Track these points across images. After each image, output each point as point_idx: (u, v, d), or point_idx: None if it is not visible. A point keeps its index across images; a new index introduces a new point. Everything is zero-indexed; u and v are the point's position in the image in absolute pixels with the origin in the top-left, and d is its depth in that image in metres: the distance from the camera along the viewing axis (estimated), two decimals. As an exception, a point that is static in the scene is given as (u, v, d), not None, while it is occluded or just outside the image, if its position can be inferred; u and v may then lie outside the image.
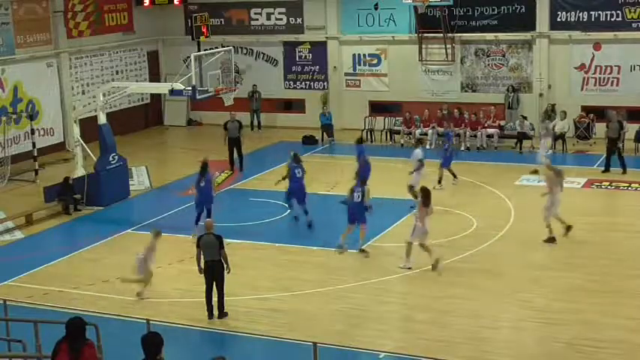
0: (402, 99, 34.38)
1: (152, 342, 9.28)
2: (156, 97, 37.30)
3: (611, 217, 22.15)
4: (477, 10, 33.26)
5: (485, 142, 31.16)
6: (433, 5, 32.49)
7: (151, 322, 13.28)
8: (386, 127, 33.30)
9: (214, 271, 16.08)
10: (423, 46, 33.93)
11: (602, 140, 29.96)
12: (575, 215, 22.26)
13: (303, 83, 36.70)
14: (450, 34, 33.28)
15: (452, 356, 13.87)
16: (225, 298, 16.18)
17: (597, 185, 25.35)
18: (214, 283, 16.13)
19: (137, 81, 35.54)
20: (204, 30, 26.75)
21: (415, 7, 32.90)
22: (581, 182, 25.62)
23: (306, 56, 36.54)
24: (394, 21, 34.52)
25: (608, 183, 25.52)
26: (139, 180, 27.91)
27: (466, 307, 16.34)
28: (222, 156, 30.25)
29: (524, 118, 31.29)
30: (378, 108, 35.01)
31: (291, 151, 23.12)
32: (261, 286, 17.84)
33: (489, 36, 33.22)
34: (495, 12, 33.07)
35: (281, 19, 36.62)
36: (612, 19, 31.49)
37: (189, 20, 28.06)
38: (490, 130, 31.33)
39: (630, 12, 31.23)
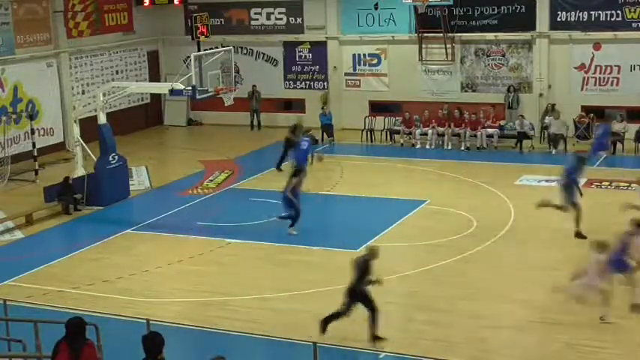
0: (401, 99, 34.40)
1: (153, 342, 9.30)
2: (156, 97, 37.32)
3: (610, 217, 22.10)
4: (477, 9, 33.27)
5: (485, 142, 31.17)
6: (433, 5, 32.51)
7: (151, 321, 13.29)
8: (386, 127, 33.30)
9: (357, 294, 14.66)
10: (423, 45, 33.94)
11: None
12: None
13: (303, 83, 36.72)
14: (449, 34, 33.30)
15: (452, 356, 13.89)
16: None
17: (597, 185, 25.35)
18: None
19: (137, 81, 35.55)
20: (204, 30, 26.75)
21: (415, 7, 32.93)
22: (580, 182, 25.60)
23: (306, 56, 36.56)
24: (394, 21, 34.53)
25: (608, 183, 25.52)
26: (139, 180, 27.93)
27: (466, 307, 16.35)
28: (222, 156, 30.35)
29: (523, 117, 31.30)
30: (377, 108, 35.02)
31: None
32: (261, 286, 17.85)
33: (489, 36, 33.23)
34: (495, 12, 33.08)
35: (281, 19, 36.63)
36: (612, 19, 31.51)
37: (189, 20, 28.07)
38: (490, 130, 31.33)
39: (630, 12, 31.23)
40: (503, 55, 33.31)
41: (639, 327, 15.15)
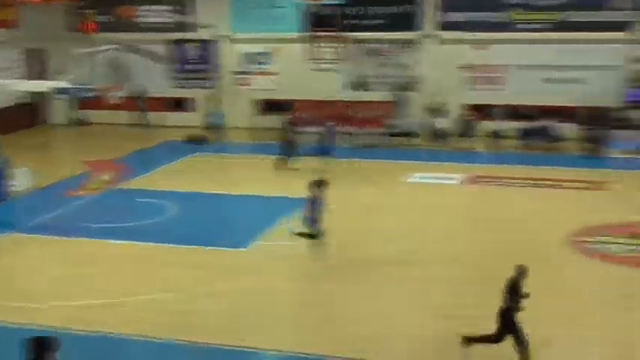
0: (292, 97, 34.48)
1: (40, 345, 9.15)
2: (41, 96, 36.36)
3: (495, 213, 22.65)
4: (368, 9, 33.63)
5: (375, 140, 31.50)
6: (325, 4, 32.69)
7: (36, 326, 12.86)
8: (275, 126, 33.28)
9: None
10: (314, 44, 34.10)
11: (484, 138, 30.78)
12: (459, 211, 22.77)
13: (193, 82, 36.42)
14: (340, 33, 33.54)
15: (343, 353, 13.92)
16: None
17: (481, 181, 25.95)
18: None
19: (22, 79, 34.56)
20: (92, 27, 26.22)
21: (306, 6, 33.05)
22: (464, 178, 26.21)
23: (196, 55, 36.27)
24: (285, 20, 34.59)
25: (491, 179, 26.14)
26: (21, 181, 27.11)
27: (360, 304, 16.40)
28: (108, 155, 29.79)
29: (412, 116, 31.82)
30: (268, 107, 35.01)
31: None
32: (144, 287, 17.57)
33: (379, 35, 33.63)
34: (385, 12, 33.50)
35: (171, 17, 36.24)
36: (498, 20, 32.32)
37: (78, 17, 27.47)
38: (379, 128, 31.69)
39: (516, 14, 32.11)
40: (393, 55, 33.75)
41: (540, 319, 15.52)
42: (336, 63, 34.02)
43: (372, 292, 16.94)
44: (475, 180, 26.06)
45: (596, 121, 29.63)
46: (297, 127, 29.63)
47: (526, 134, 30.60)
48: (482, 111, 32.40)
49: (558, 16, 31.85)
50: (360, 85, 34.18)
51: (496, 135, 30.32)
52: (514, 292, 13.16)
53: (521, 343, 13.07)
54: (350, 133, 31.44)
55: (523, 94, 31.86)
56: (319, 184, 18.89)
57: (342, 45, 33.71)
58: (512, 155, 29.55)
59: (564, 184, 25.27)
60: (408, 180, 26.11)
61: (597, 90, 30.92)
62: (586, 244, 19.70)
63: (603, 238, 19.99)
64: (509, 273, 16.83)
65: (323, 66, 34.26)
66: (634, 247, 19.41)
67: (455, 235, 20.50)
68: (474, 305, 15.94)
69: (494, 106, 32.44)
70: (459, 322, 15.00)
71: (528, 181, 25.54)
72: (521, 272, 13.32)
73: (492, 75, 32.82)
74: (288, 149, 28.05)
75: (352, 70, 34.13)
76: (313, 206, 18.54)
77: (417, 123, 31.73)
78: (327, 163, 26.72)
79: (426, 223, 21.45)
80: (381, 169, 27.77)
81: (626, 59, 30.43)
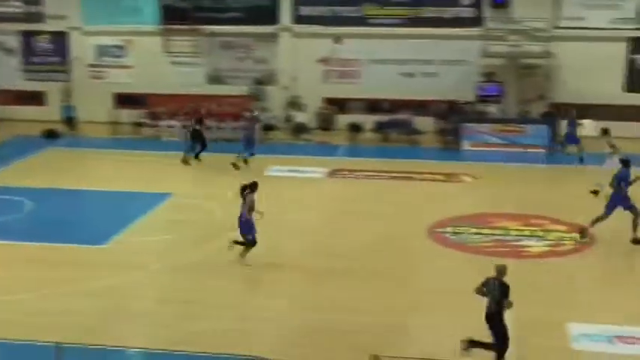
0: (148, 91, 33.81)
1: None
2: None
3: (356, 205, 22.89)
4: (225, 2, 33.35)
5: (233, 134, 31.26)
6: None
7: None
8: (131, 120, 32.57)
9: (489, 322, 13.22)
10: (169, 37, 33.55)
11: (343, 131, 31.10)
12: (321, 203, 22.89)
13: (44, 75, 35.17)
14: (196, 26, 33.13)
15: (200, 348, 13.71)
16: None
17: (341, 175, 26.20)
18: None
19: None
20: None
21: (161, -2, 32.54)
22: (324, 171, 26.39)
23: (46, 47, 35.04)
24: (140, 12, 33.90)
25: (350, 172, 26.40)
26: None
27: (219, 298, 16.21)
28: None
29: (268, 109, 31.80)
30: (123, 100, 34.21)
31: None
32: (9, 287, 16.79)
33: (235, 28, 33.41)
34: (241, 5, 33.32)
35: (19, 7, 34.84)
36: (352, 15, 32.71)
37: None
38: (237, 123, 31.48)
39: (369, 9, 32.57)
40: (249, 48, 33.62)
41: (389, 308, 15.70)
42: (193, 56, 33.58)
43: (235, 287, 16.79)
44: (335, 173, 26.27)
45: (451, 115, 30.44)
46: (204, 123, 29.07)
47: (384, 127, 31.10)
48: (341, 104, 32.73)
49: (411, 11, 32.51)
50: (217, 78, 33.86)
51: (354, 128, 30.68)
52: (504, 295, 13.02)
53: (501, 347, 13.04)
54: (208, 128, 31.04)
55: (379, 88, 32.34)
56: (252, 187, 17.93)
57: (198, 38, 33.30)
58: (371, 148, 29.98)
59: (422, 176, 25.81)
60: (268, 174, 26.05)
61: (451, 84, 31.74)
62: (444, 234, 20.18)
63: (460, 229, 20.52)
64: (372, 264, 17.11)
65: (179, 59, 33.76)
66: (489, 236, 20.01)
67: (317, 228, 20.57)
68: (338, 297, 16.04)
69: (352, 99, 32.83)
70: (324, 314, 15.06)
71: (387, 174, 25.94)
72: (501, 272, 13.19)
73: (348, 69, 33.20)
74: (194, 144, 27.69)
75: (209, 63, 33.78)
76: (248, 210, 17.71)
77: (276, 117, 31.72)
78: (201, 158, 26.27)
79: (289, 217, 21.43)
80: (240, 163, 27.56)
81: (478, 54, 31.33)
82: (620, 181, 19.17)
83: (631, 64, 31.27)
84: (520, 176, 25.79)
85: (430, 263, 18.21)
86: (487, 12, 31.84)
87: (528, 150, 29.10)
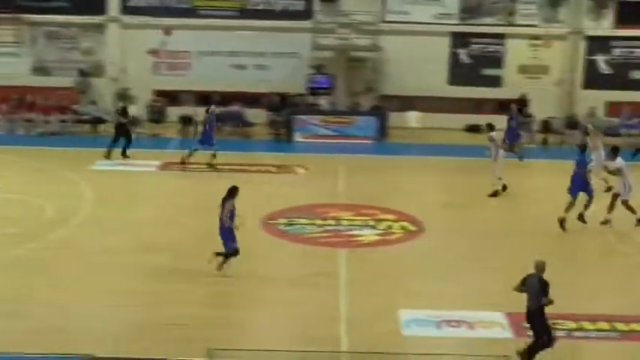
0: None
1: None
2: None
3: (189, 199, 22.68)
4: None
5: (59, 127, 30.33)
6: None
7: None
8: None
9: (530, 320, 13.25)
10: (-11, 26, 32.15)
11: (174, 123, 30.69)
12: (152, 197, 22.52)
13: None
14: (18, 15, 31.83)
15: (26, 348, 13.20)
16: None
17: (173, 168, 25.88)
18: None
19: None
20: None
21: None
22: (156, 165, 25.99)
23: None
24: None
25: (183, 165, 26.10)
26: None
27: (48, 296, 15.65)
28: None
29: (99, 102, 31.02)
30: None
31: None
32: None
33: (60, 18, 32.33)
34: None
35: None
36: (182, 6, 32.34)
37: None
38: (63, 115, 30.57)
39: (198, 0, 32.30)
40: (75, 39, 32.64)
41: (213, 302, 15.64)
42: (16, 46, 32.27)
43: (59, 284, 16.26)
44: (167, 167, 25.91)
45: (283, 107, 30.63)
46: (129, 115, 27.76)
47: (216, 120, 30.83)
48: (171, 97, 32.32)
49: (241, 3, 32.47)
50: (43, 70, 32.68)
51: (186, 121, 30.35)
52: (543, 291, 12.96)
53: (538, 343, 13.00)
54: (31, 120, 29.97)
55: (210, 80, 32.11)
56: (231, 192, 17.09)
57: (21, 27, 32.02)
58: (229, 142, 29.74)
59: (254, 168, 25.83)
60: (96, 168, 25.41)
61: (283, 76, 31.92)
62: (277, 226, 20.30)
63: (293, 220, 20.69)
64: (205, 258, 16.99)
65: (2, 49, 32.35)
66: (322, 227, 20.28)
67: (148, 222, 20.24)
68: (170, 291, 15.85)
69: (183, 91, 32.48)
70: (156, 309, 14.87)
71: (221, 167, 25.78)
72: (541, 269, 13.12)
73: (178, 61, 32.82)
74: (117, 139, 26.60)
75: (33, 54, 32.55)
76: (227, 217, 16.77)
77: (104, 109, 30.95)
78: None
79: (118, 211, 20.97)
80: (67, 157, 26.75)
81: (309, 47, 31.64)
82: (579, 166, 20.23)
83: (454, 58, 32.43)
84: (350, 167, 26.27)
85: (264, 255, 18.27)
86: (317, 5, 32.21)
87: (357, 141, 29.69)
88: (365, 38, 31.53)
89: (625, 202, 20.32)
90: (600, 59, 32.00)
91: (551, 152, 28.82)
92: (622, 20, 31.73)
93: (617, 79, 31.79)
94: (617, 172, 20.62)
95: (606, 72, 32.03)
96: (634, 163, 24.36)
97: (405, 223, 20.52)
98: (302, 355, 12.89)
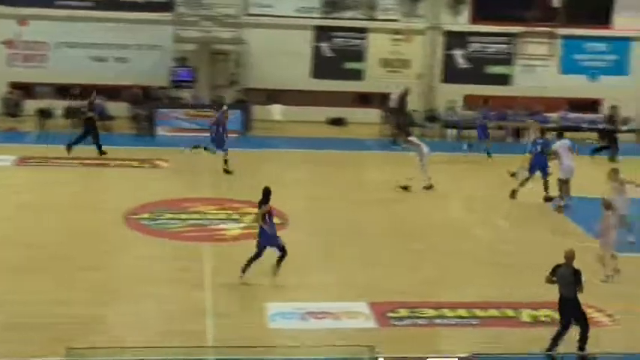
0: None
1: None
2: None
3: (46, 193, 22.02)
4: None
5: None
6: None
7: None
8: None
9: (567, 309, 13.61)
10: None
11: (31, 117, 29.74)
12: (8, 193, 21.77)
13: None
14: None
15: None
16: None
17: (30, 163, 25.08)
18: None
19: None
20: None
21: None
22: (12, 160, 25.11)
23: None
24: None
25: (41, 160, 25.31)
26: None
27: None
28: None
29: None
30: None
31: None
32: None
33: None
34: None
35: None
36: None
37: None
38: None
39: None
40: None
41: (93, 301, 15.25)
42: None
43: None
44: (24, 161, 25.08)
45: (145, 100, 30.12)
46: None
47: (74, 113, 30.05)
48: (28, 89, 31.29)
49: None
50: None
51: (44, 114, 29.46)
52: (577, 280, 13.35)
53: (586, 329, 13.53)
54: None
55: (69, 72, 31.22)
56: (266, 195, 16.40)
57: None
58: (63, 135, 28.85)
59: (117, 162, 25.31)
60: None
61: (145, 69, 31.36)
62: (140, 221, 19.98)
63: (157, 215, 20.41)
64: (69, 254, 16.55)
65: None
66: (186, 221, 20.09)
67: (11, 219, 19.52)
68: (35, 289, 15.39)
69: (40, 84, 31.49)
70: (21, 308, 14.44)
71: (79, 161, 25.14)
72: (571, 257, 13.57)
73: (34, 52, 31.77)
74: (85, 133, 25.52)
75: None
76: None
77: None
78: None
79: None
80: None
81: (171, 39, 31.17)
82: (542, 148, 22.64)
83: (317, 51, 32.67)
84: (214, 160, 26.07)
85: (127, 251, 17.95)
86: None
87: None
88: (228, 31, 31.32)
89: (557, 181, 22.28)
90: (458, 54, 32.93)
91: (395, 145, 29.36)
92: (478, 16, 32.71)
93: (474, 74, 32.74)
94: (554, 155, 22.42)
95: (464, 66, 32.95)
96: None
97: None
98: (167, 350, 12.74)
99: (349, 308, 15.30)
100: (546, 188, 22.63)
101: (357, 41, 32.72)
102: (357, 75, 32.76)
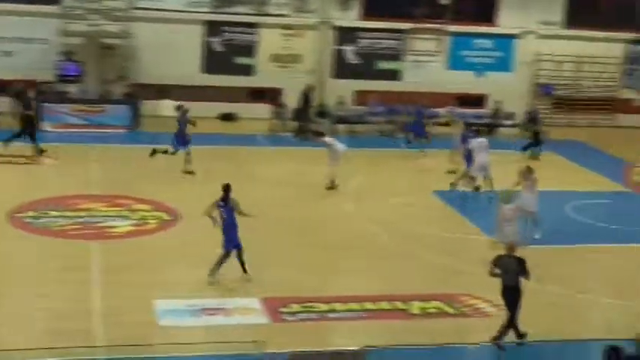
0: None
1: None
2: None
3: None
4: None
5: None
6: None
7: None
8: None
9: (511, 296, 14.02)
10: None
11: None
12: None
13: None
14: None
15: None
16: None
17: None
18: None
19: None
20: None
21: None
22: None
23: None
24: None
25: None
26: None
27: None
28: None
29: None
30: None
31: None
32: None
33: None
34: None
35: None
36: None
37: None
38: None
39: None
40: None
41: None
42: None
43: None
44: None
45: (29, 95, 29.21)
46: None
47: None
48: None
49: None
50: None
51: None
52: (523, 269, 13.90)
53: (513, 318, 13.99)
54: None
55: None
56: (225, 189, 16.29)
57: None
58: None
59: (1, 159, 24.48)
60: None
61: (30, 63, 30.41)
62: (25, 219, 19.42)
63: (42, 213, 19.87)
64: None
65: None
66: (73, 219, 19.63)
67: None
68: None
69: None
70: None
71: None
72: (514, 248, 14.17)
73: None
74: (24, 129, 24.56)
75: None
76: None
77: None
78: None
79: None
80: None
81: (58, 33, 30.33)
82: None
83: (207, 46, 32.36)
84: (103, 157, 25.59)
85: (11, 250, 17.43)
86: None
87: (110, 130, 28.95)
88: (116, 25, 30.71)
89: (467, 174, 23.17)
90: (348, 49, 33.15)
91: (304, 141, 29.46)
92: (368, 12, 33.00)
93: (364, 69, 33.03)
94: (466, 152, 23.30)
95: (354, 62, 33.19)
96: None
97: (159, 213, 20.30)
98: (53, 351, 12.41)
99: (241, 304, 15.25)
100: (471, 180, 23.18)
101: (248, 36, 32.55)
102: (247, 70, 32.61)
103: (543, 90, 33.80)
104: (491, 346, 14.00)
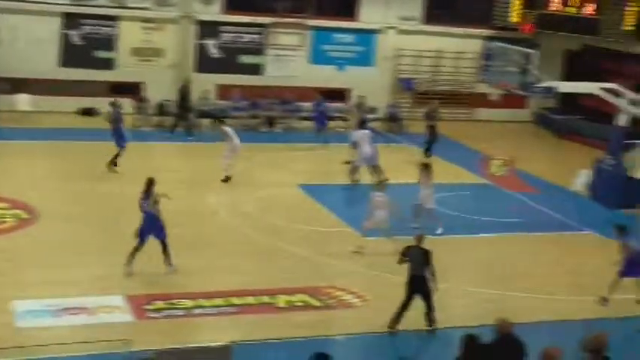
0: None
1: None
2: None
3: None
4: None
5: None
6: None
7: None
8: None
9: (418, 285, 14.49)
10: None
11: None
12: None
13: None
14: None
15: None
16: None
17: None
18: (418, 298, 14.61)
19: None
20: None
21: None
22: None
23: None
24: None
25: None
26: None
27: None
28: None
29: None
30: None
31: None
32: None
33: None
34: None
35: None
36: None
37: None
38: None
39: None
40: None
41: None
42: None
43: None
44: None
45: None
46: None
47: None
48: None
49: None
50: None
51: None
52: (427, 260, 14.40)
53: (431, 305, 14.57)
54: None
55: None
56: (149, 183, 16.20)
57: None
58: None
59: None
60: None
61: None
62: None
63: None
64: None
65: None
66: None
67: None
68: None
69: None
70: None
71: None
72: (422, 240, 14.80)
73: None
74: None
75: None
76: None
77: None
78: None
79: None
80: None
81: None
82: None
83: (65, 39, 31.46)
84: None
85: None
86: None
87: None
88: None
89: (356, 168, 23.98)
90: (210, 43, 32.89)
91: (166, 135, 29.10)
92: (231, 6, 32.84)
93: (227, 63, 32.88)
94: (353, 144, 24.27)
95: (216, 56, 32.97)
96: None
97: (17, 211, 19.62)
98: None
99: (105, 302, 14.95)
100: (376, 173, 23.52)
101: (108, 29, 31.81)
102: (107, 64, 31.88)
103: (404, 84, 34.50)
104: (355, 338, 14.23)
